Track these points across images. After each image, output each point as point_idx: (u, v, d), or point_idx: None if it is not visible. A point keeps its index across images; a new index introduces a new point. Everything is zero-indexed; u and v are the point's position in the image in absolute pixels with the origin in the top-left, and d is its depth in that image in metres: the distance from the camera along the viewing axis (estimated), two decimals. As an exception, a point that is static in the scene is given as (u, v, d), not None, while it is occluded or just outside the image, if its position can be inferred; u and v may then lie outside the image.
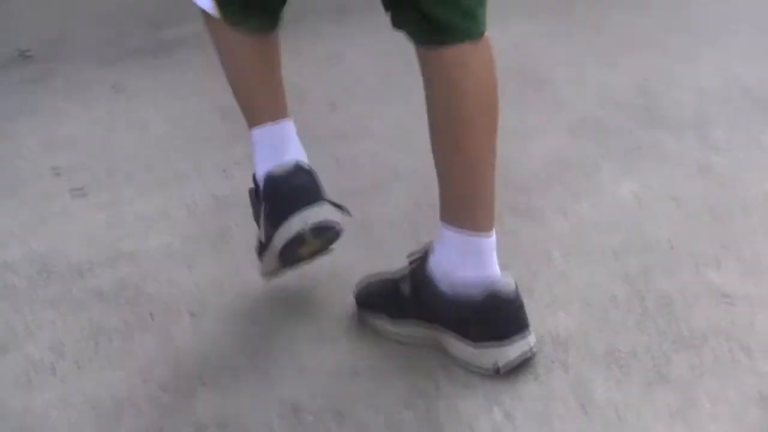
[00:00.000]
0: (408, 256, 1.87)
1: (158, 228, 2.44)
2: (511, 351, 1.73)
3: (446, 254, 1.76)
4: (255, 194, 1.93)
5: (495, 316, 1.75)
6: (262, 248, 1.92)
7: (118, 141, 3.01)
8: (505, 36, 3.45)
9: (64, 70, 3.62)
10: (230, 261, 2.24)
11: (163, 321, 2.05)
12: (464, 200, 1.74)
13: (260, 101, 1.93)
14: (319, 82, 3.24)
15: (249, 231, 2.02)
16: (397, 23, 1.72)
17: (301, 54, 3.47)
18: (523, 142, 2.70)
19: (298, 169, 1.85)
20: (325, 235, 1.84)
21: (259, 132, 1.91)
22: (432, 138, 1.74)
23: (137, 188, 2.67)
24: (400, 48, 3.34)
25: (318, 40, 3.62)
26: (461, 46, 1.66)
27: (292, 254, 1.84)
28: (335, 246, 1.95)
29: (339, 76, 3.30)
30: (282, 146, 1.89)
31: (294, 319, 2.01)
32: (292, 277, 2.04)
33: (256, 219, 1.94)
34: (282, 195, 1.83)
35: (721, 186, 2.39)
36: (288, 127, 1.93)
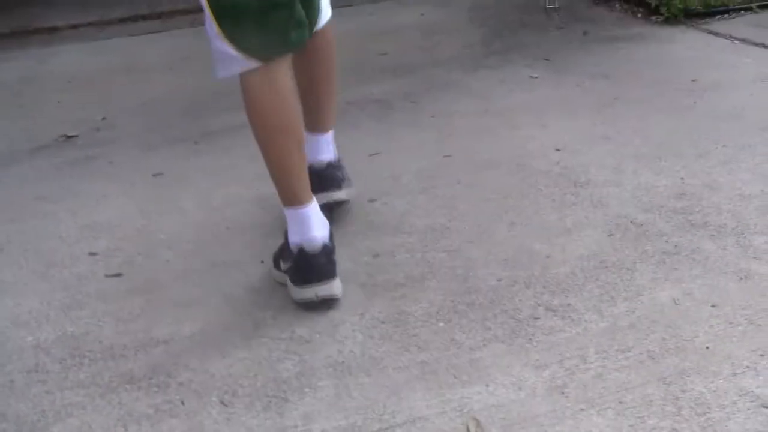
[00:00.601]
0: None
1: (193, 315, 2.43)
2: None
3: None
4: (286, 248, 2.50)
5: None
6: (279, 267, 2.55)
7: (156, 226, 3.03)
8: (545, 136, 3.48)
9: (107, 155, 3.67)
10: (264, 351, 2.23)
11: (194, 408, 2.03)
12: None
13: (293, 187, 2.42)
14: (358, 176, 3.25)
15: (285, 322, 2.02)
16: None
17: (341, 149, 3.50)
18: (561, 241, 2.69)
19: (324, 251, 2.41)
20: (328, 303, 2.40)
21: (290, 212, 2.44)
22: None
23: (174, 274, 2.68)
24: (440, 145, 3.39)
25: (359, 135, 3.65)
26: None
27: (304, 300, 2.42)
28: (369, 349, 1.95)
29: (378, 171, 3.31)
30: (309, 224, 2.42)
31: (326, 411, 1.99)
32: (324, 370, 2.01)
33: (276, 259, 2.57)
34: (307, 266, 2.40)
35: (760, 293, 2.36)
36: (314, 208, 2.45)
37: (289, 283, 2.45)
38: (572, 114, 3.72)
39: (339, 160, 2.86)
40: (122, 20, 5.52)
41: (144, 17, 5.54)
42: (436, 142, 3.51)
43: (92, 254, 2.85)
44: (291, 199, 2.42)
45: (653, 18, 4.89)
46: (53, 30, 5.44)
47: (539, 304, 2.35)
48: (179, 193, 3.27)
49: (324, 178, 2.77)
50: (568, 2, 5.27)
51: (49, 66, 4.82)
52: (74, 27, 5.46)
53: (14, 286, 2.69)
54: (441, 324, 2.30)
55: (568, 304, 2.35)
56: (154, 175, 3.43)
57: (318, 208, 2.45)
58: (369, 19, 5.24)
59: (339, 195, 2.83)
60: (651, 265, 2.53)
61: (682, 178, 3.07)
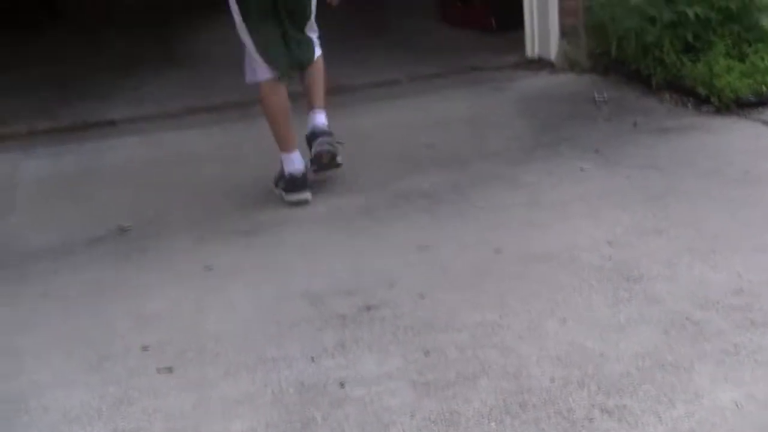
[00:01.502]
0: None
1: (242, 412, 2.42)
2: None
3: None
4: (281, 174, 4.15)
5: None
6: (277, 187, 4.19)
7: (206, 320, 3.04)
8: (597, 229, 3.46)
9: (159, 247, 3.71)
10: (313, 451, 2.21)
11: None
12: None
13: (289, 138, 4.17)
14: (407, 270, 3.25)
15: (335, 421, 1.99)
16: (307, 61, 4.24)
17: (390, 242, 3.52)
18: (614, 338, 2.65)
19: (302, 177, 4.09)
20: (304, 203, 4.05)
21: (286, 155, 4.14)
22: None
23: (224, 369, 2.68)
24: (489, 238, 3.38)
25: (408, 227, 3.66)
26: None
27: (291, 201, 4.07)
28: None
29: (427, 264, 3.31)
30: (295, 161, 4.11)
31: None
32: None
33: (276, 183, 4.20)
34: (293, 183, 4.07)
35: (823, 394, 2.30)
36: (297, 153, 4.15)
37: (283, 193, 4.11)
38: (623, 206, 3.70)
39: (326, 126, 4.24)
40: (176, 114, 5.62)
41: (197, 110, 5.64)
42: (486, 235, 3.51)
43: (144, 348, 2.87)
44: (284, 147, 4.15)
45: (704, 108, 4.87)
46: (111, 123, 5.55)
47: (594, 405, 2.31)
48: (229, 287, 3.29)
49: (316, 134, 4.20)
50: (618, 93, 5.28)
51: (106, 158, 4.91)
52: (131, 120, 5.56)
53: (66, 378, 2.71)
54: (493, 425, 2.27)
55: (624, 406, 2.30)
56: (205, 268, 3.45)
57: (299, 153, 4.14)
58: (417, 110, 5.28)
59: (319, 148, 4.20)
60: (710, 365, 2.47)
61: (739, 273, 3.02)
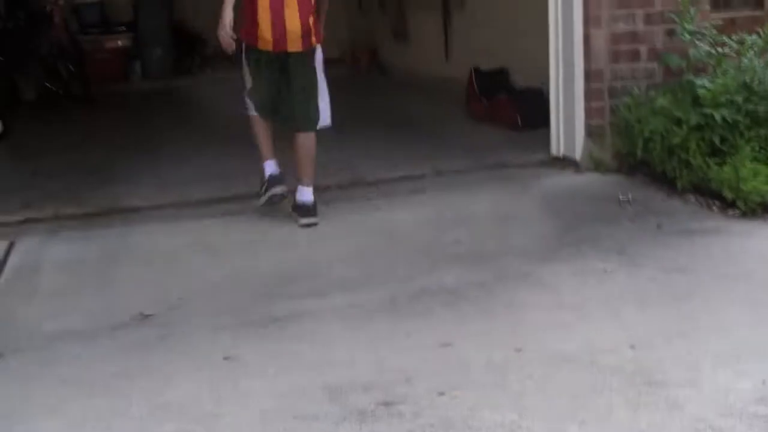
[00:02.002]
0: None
1: (256, 508, 2.39)
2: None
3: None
4: (262, 178, 5.19)
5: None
6: (260, 194, 5.22)
7: (224, 411, 3.02)
8: (619, 331, 3.43)
9: (180, 335, 3.71)
10: None
11: None
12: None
13: (268, 151, 5.20)
14: (428, 367, 3.23)
15: None
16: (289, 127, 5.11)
17: (411, 337, 3.50)
18: (636, 444, 2.61)
19: (280, 176, 5.15)
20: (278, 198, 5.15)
21: (266, 162, 5.17)
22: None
23: (239, 463, 2.64)
24: (511, 337, 3.36)
25: (430, 323, 3.64)
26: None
27: (272, 202, 5.17)
28: None
29: (448, 362, 3.28)
30: (272, 165, 5.16)
31: None
32: None
33: (261, 186, 5.22)
34: (271, 182, 5.12)
35: None
36: (273, 161, 5.20)
37: (262, 195, 5.20)
38: (647, 308, 3.68)
39: (311, 203, 5.08)
40: (201, 202, 5.68)
41: (220, 199, 5.69)
42: (508, 334, 3.49)
43: (160, 437, 2.85)
44: (264, 157, 5.19)
45: (729, 212, 4.86)
46: (136, 210, 5.60)
47: None
48: (248, 378, 3.27)
49: (301, 210, 5.07)
50: (642, 194, 5.29)
51: (131, 244, 4.94)
52: (155, 207, 5.62)
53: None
54: None
55: None
56: (224, 358, 3.44)
57: (275, 161, 5.20)
58: (443, 206, 5.30)
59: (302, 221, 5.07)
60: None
61: (764, 381, 2.98)
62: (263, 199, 5.17)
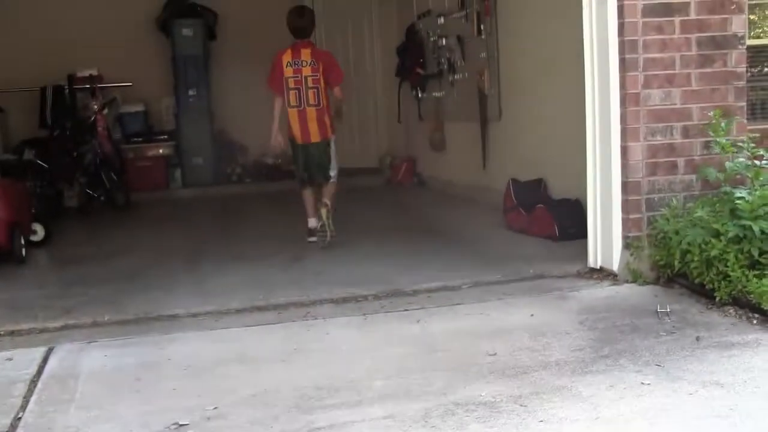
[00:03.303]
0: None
1: None
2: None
3: None
4: (306, 229, 8.03)
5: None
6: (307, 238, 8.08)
7: None
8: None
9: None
10: None
11: None
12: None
13: (311, 209, 8.01)
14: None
15: None
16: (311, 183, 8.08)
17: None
18: None
19: (314, 229, 7.87)
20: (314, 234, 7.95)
21: (309, 219, 7.99)
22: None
23: None
24: None
25: (465, 436, 3.59)
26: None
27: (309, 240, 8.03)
28: None
29: None
30: (314, 222, 7.89)
31: None
32: None
33: (307, 234, 8.04)
34: (310, 232, 7.98)
35: None
36: (315, 218, 7.91)
37: (307, 237, 7.86)
38: (685, 424, 3.63)
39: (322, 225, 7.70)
40: (239, 311, 5.70)
41: (260, 308, 5.72)
42: None
43: None
44: (308, 215, 7.97)
45: (770, 325, 4.82)
46: (173, 317, 5.64)
47: None
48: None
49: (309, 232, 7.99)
50: (680, 306, 5.25)
51: (168, 352, 4.95)
52: (193, 315, 5.65)
53: None
54: None
55: None
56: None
57: (315, 219, 7.84)
58: (478, 318, 5.28)
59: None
60: None
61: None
62: (308, 240, 7.90)
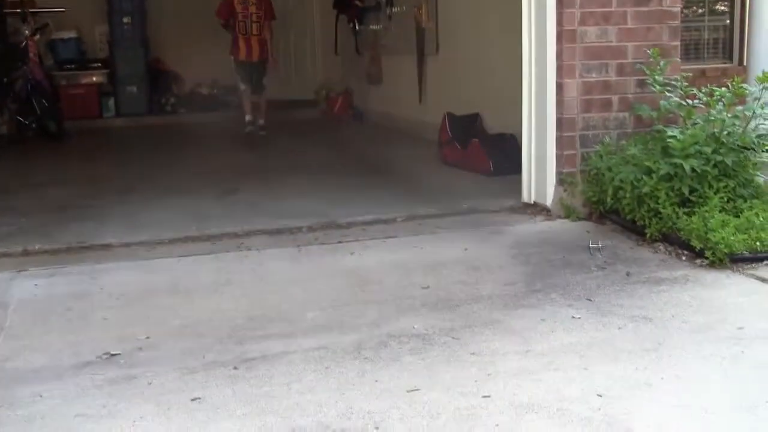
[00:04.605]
0: None
1: None
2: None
3: None
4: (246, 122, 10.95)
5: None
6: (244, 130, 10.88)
7: (189, 455, 2.99)
8: (587, 381, 3.44)
9: (147, 376, 3.67)
10: None
11: None
12: None
13: (247, 107, 10.78)
14: (394, 414, 3.22)
15: None
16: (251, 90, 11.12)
17: (379, 384, 3.49)
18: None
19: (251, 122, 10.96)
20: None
21: (247, 116, 10.78)
22: None
23: None
24: (479, 384, 3.35)
25: (398, 370, 3.63)
26: None
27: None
28: None
29: (415, 409, 3.27)
30: (249, 117, 10.73)
31: None
32: None
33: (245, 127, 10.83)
34: (247, 124, 10.78)
35: None
36: (250, 115, 10.81)
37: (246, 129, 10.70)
38: (614, 358, 3.69)
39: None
40: (172, 241, 5.65)
41: (193, 239, 5.67)
42: (475, 382, 3.48)
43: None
44: (245, 112, 10.72)
45: (698, 261, 4.90)
46: (106, 247, 5.57)
47: None
48: (215, 420, 3.24)
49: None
50: (612, 242, 5.33)
51: (100, 282, 4.90)
52: (126, 245, 5.59)
53: None
54: None
55: None
56: (191, 400, 3.41)
57: (250, 115, 10.76)
58: (412, 251, 5.31)
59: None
60: None
61: (729, 433, 3.00)
62: (246, 130, 10.59)
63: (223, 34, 11.02)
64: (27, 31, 11.20)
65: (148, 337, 4.08)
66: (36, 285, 4.88)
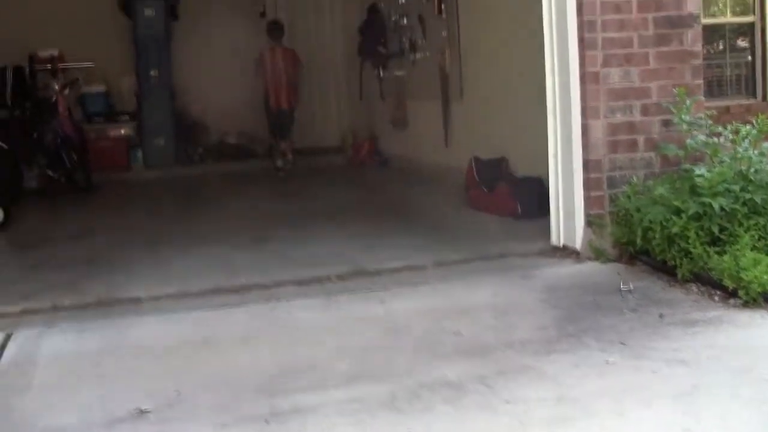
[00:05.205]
0: None
1: None
2: None
3: None
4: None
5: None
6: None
7: None
8: (623, 427, 3.39)
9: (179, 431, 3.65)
10: None
11: None
12: None
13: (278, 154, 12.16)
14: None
15: None
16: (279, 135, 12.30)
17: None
18: None
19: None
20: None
21: (278, 161, 11.98)
22: None
23: None
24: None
25: (431, 420, 3.59)
26: None
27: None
28: None
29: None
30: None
31: None
32: None
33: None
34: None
35: None
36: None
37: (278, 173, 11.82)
38: (650, 403, 3.64)
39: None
40: (201, 293, 5.65)
41: (222, 290, 5.68)
42: (510, 430, 3.44)
43: None
44: (276, 157, 12.03)
45: (731, 301, 4.84)
46: (135, 300, 5.58)
47: None
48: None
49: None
50: (643, 284, 5.28)
51: (129, 336, 4.91)
52: (155, 298, 5.59)
53: None
54: None
55: None
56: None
57: (281, 161, 11.87)
58: (443, 297, 5.28)
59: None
60: None
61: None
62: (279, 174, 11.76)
63: (248, 86, 11.65)
64: (57, 87, 11.34)
65: (178, 392, 4.06)
66: (65, 340, 4.89)
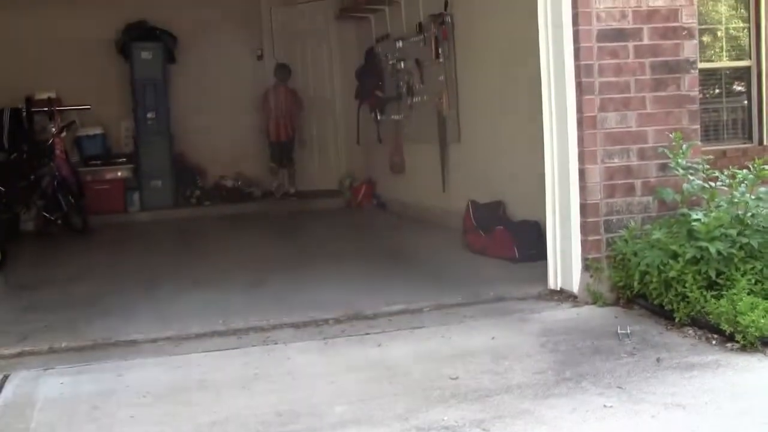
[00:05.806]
0: None
1: None
2: None
3: None
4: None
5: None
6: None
7: None
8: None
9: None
10: None
11: None
12: None
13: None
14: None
15: None
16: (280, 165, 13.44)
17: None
18: None
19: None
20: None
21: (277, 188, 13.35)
22: None
23: None
24: None
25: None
26: None
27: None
28: None
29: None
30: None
31: None
32: None
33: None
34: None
35: None
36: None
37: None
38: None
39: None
40: (198, 336, 5.63)
41: (219, 333, 5.66)
42: None
43: None
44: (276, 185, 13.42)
45: (728, 345, 4.85)
46: (132, 343, 5.57)
47: None
48: None
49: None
50: (640, 327, 5.28)
51: (126, 380, 4.88)
52: (152, 341, 5.58)
53: None
54: None
55: None
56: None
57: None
58: (440, 341, 5.27)
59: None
60: None
61: None
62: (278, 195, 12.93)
63: (246, 130, 12.66)
64: (54, 129, 11.38)
65: (176, 437, 4.05)
66: (62, 383, 4.87)
